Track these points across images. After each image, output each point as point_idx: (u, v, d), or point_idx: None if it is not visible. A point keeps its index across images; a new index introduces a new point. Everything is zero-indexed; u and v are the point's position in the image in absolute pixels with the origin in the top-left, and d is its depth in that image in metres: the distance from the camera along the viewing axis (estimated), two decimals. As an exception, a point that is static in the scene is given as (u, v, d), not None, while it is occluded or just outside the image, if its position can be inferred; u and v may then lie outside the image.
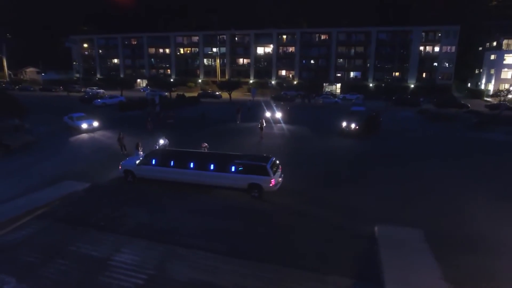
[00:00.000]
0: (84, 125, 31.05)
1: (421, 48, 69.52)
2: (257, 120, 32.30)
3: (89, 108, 47.26)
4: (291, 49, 76.64)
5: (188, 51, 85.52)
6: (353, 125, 29.52)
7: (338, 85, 74.76)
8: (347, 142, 28.44)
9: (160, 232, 13.87)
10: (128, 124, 35.35)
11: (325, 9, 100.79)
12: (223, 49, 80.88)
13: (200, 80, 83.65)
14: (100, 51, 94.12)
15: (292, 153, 25.41)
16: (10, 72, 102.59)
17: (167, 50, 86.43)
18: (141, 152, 21.09)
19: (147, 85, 64.52)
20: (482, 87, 68.96)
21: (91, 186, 18.56)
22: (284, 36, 77.59)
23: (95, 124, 31.95)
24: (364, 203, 16.66)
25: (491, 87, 65.11)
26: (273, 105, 40.22)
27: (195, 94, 63.45)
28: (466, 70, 79.05)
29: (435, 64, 68.54)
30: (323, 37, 74.61)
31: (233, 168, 17.22)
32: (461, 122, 36.59)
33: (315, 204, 16.78)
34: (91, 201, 16.89)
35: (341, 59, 74.26)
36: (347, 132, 29.76)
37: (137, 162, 18.99)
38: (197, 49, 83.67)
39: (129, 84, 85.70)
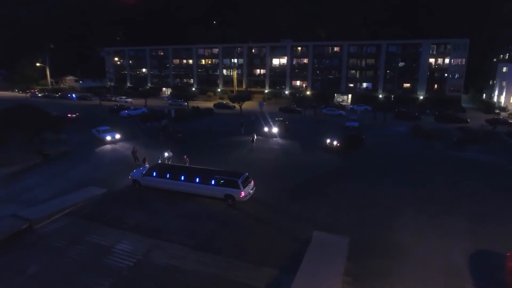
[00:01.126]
0: (108, 137, 37.04)
1: (432, 60, 70.67)
2: (258, 133, 36.83)
3: (116, 118, 53.92)
4: (305, 60, 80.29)
5: (209, 62, 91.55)
6: (335, 142, 33.21)
7: (349, 96, 77.36)
8: (327, 157, 32.22)
9: (150, 229, 18.77)
10: (145, 135, 41.09)
11: (340, 22, 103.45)
12: (241, 60, 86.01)
13: (219, 89, 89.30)
14: (130, 61, 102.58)
15: (274, 167, 29.70)
16: (52, 80, 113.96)
17: (190, 61, 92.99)
18: (147, 165, 26.29)
19: (170, 95, 70.61)
20: (495, 99, 69.02)
21: (107, 191, 23.90)
22: (299, 48, 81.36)
23: (117, 136, 37.90)
24: (319, 214, 20.66)
25: (502, 99, 65.29)
26: (271, 120, 44.01)
27: (212, 104, 68.89)
28: (482, 80, 78.94)
29: (445, 76, 69.41)
30: (335, 49, 77.65)
31: (213, 181, 21.88)
32: (445, 139, 38.86)
33: (278, 213, 21.02)
34: (106, 203, 22.17)
35: (352, 71, 76.92)
36: (330, 148, 33.45)
37: (142, 173, 24.15)
38: (217, 60, 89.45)
39: (155, 92, 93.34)
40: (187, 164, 26.97)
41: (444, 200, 22.50)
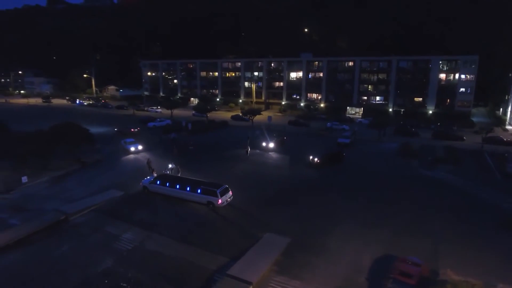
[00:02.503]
0: (132, 148, 45.09)
1: (442, 75, 72.32)
2: (257, 147, 43.08)
3: (144, 128, 62.55)
4: (320, 74, 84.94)
5: (232, 75, 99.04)
6: (316, 159, 38.40)
7: (361, 109, 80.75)
8: (307, 172, 37.56)
9: (149, 224, 25.60)
10: (163, 146, 48.72)
11: (359, 36, 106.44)
12: (261, 74, 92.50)
13: (240, 100, 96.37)
14: (163, 73, 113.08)
15: (257, 178, 35.66)
16: (96, 89, 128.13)
17: (215, 74, 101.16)
18: (155, 174, 33.47)
19: (194, 108, 78.03)
20: (508, 114, 69.24)
21: (124, 194, 31.26)
22: (315, 63, 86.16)
23: (140, 147, 45.85)
24: (278, 219, 26.40)
25: (513, 114, 65.83)
26: (270, 135, 49.61)
27: (230, 116, 75.80)
28: (500, 95, 78.76)
29: (454, 91, 70.79)
30: (348, 64, 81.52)
31: (199, 191, 28.43)
32: (426, 158, 42.27)
33: (245, 217, 27.07)
34: (121, 203, 29.46)
35: (364, 85, 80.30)
36: (312, 164, 38.67)
37: (150, 181, 31.30)
38: (239, 73, 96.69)
39: (184, 102, 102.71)
40: (179, 174, 33.85)
41: (382, 214, 27.18)
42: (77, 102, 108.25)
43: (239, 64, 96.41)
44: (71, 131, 39.66)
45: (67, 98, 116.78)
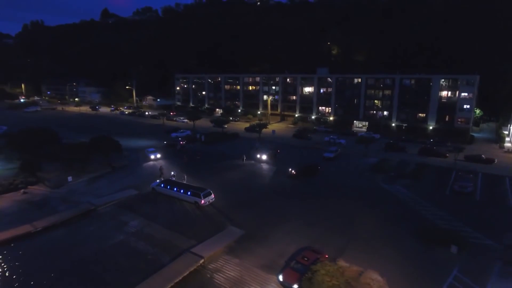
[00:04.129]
0: (152, 156, 56.01)
1: (443, 93, 75.70)
2: (252, 158, 52.20)
3: (168, 137, 73.73)
4: (329, 89, 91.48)
5: (252, 89, 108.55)
6: (293, 171, 46.27)
7: (367, 123, 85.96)
8: (285, 181, 45.59)
9: (151, 216, 35.50)
10: (178, 155, 59.13)
11: (375, 52, 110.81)
12: (278, 88, 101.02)
13: (259, 112, 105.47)
14: (193, 85, 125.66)
15: (242, 184, 44.35)
16: (137, 99, 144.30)
17: (238, 87, 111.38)
18: (162, 178, 43.62)
19: (211, 121, 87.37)
20: (510, 131, 71.06)
21: (138, 193, 41.68)
22: (327, 79, 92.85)
23: (158, 155, 56.66)
24: (244, 217, 35.06)
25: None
26: (265, 148, 57.99)
27: (244, 127, 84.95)
28: (509, 111, 79.93)
29: (454, 109, 73.88)
30: (356, 80, 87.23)
31: (189, 193, 37.95)
32: (390, 173, 48.12)
33: (220, 214, 36.04)
34: (135, 200, 39.80)
35: (370, 100, 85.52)
36: (291, 175, 46.58)
37: (157, 184, 41.42)
38: (258, 87, 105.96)
39: (210, 112, 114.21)
40: (185, 179, 43.69)
41: (323, 216, 34.70)
42: (119, 111, 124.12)
43: (258, 79, 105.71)
44: (104, 143, 51.34)
45: (111, 107, 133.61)
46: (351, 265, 25.52)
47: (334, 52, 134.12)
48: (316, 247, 27.64)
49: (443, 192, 41.76)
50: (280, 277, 24.28)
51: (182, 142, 66.04)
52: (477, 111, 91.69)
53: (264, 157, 54.76)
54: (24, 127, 64.81)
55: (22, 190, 41.85)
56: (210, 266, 26.75)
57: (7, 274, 25.83)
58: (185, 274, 25.33)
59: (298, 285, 23.04)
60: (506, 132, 72.83)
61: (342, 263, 25.65)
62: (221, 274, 25.76)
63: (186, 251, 28.45)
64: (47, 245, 30.04)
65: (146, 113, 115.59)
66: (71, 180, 45.57)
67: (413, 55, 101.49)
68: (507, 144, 69.13)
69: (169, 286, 23.89)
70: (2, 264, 26.99)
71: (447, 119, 75.61)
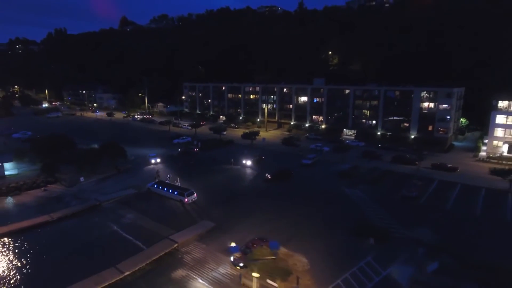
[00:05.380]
0: (153, 160, 64.48)
1: (425, 104, 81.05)
2: (239, 163, 59.98)
3: (171, 143, 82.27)
4: (322, 99, 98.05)
5: (252, 97, 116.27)
6: (268, 175, 53.54)
7: (355, 131, 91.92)
8: (261, 184, 52.88)
9: (143, 210, 43.71)
10: (175, 160, 67.35)
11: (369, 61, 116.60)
12: (275, 97, 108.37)
13: (258, 119, 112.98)
14: (200, 94, 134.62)
15: (223, 187, 51.91)
16: (149, 105, 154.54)
17: (239, 96, 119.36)
18: (157, 180, 51.84)
19: (210, 128, 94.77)
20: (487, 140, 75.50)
21: (136, 192, 50.03)
22: (319, 89, 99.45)
23: (158, 160, 65.09)
24: (218, 212, 42.71)
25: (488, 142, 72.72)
26: (251, 155, 65.38)
27: (241, 133, 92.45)
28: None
29: (433, 119, 79.12)
30: (346, 91, 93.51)
31: (176, 192, 45.97)
32: (354, 178, 54.57)
33: (199, 210, 43.74)
34: (133, 198, 48.16)
35: (358, 110, 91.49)
36: (266, 179, 53.85)
37: (152, 185, 49.65)
38: (257, 96, 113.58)
39: (215, 119, 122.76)
40: (178, 182, 51.80)
41: (283, 213, 41.82)
42: (131, 118, 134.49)
43: (258, 88, 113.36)
44: (112, 149, 60.19)
45: (123, 113, 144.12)
46: (288, 250, 32.68)
47: (333, 62, 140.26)
48: (265, 236, 34.85)
49: (394, 196, 47.99)
50: (232, 258, 31.69)
51: (196, 149, 74.32)
52: (463, 120, 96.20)
53: (249, 163, 62.22)
54: (46, 133, 75.07)
55: (42, 188, 51.02)
56: (182, 250, 34.47)
57: (32, 249, 34.48)
58: (161, 254, 33.20)
59: (243, 263, 30.35)
60: (485, 141, 77.23)
61: (282, 249, 32.81)
62: (189, 255, 33.45)
63: (165, 237, 36.30)
64: (61, 231, 38.65)
65: (155, 119, 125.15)
66: (82, 180, 54.49)
67: (402, 67, 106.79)
68: (482, 153, 73.88)
69: (148, 262, 31.80)
70: (28, 244, 35.68)
71: (430, 128, 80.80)
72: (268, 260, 28.47)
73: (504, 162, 66.01)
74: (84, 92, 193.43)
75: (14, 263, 32.38)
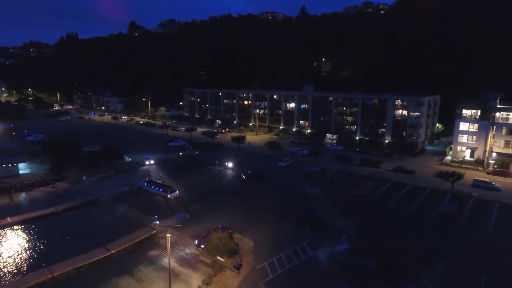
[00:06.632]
0: (147, 162, 73.31)
1: (398, 111, 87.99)
2: (222, 165, 68.45)
3: (166, 146, 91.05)
4: (306, 106, 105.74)
5: (246, 103, 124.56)
6: (244, 176, 61.65)
7: (337, 136, 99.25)
8: (236, 183, 61.01)
9: (133, 204, 52.37)
10: (168, 162, 75.99)
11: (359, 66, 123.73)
12: (266, 103, 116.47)
13: (251, 124, 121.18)
14: (198, 99, 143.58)
15: (203, 185, 60.17)
16: (152, 109, 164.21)
17: (234, 101, 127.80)
18: (147, 179, 60.53)
19: (203, 133, 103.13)
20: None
21: (129, 189, 58.81)
22: (306, 96, 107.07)
23: (152, 161, 73.90)
24: (195, 207, 51.04)
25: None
26: (233, 157, 73.59)
27: (230, 137, 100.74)
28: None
29: (406, 125, 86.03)
30: (329, 98, 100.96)
31: (161, 189, 54.58)
32: (319, 179, 62.17)
33: (179, 204, 52.15)
34: (126, 194, 56.98)
35: (340, 116, 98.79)
36: (242, 179, 61.94)
37: (142, 183, 58.35)
38: (250, 102, 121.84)
39: (211, 123, 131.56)
40: (160, 180, 60.31)
41: (249, 207, 49.84)
42: (135, 122, 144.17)
43: (250, 95, 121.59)
44: (111, 152, 69.25)
45: (123, 116, 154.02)
46: (241, 236, 40.77)
47: (326, 68, 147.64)
48: (226, 226, 42.92)
49: (347, 195, 55.52)
50: (196, 241, 39.92)
51: (197, 151, 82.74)
52: (439, 126, 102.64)
53: (230, 165, 70.48)
54: (56, 136, 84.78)
55: (50, 185, 60.17)
56: (159, 235, 42.89)
57: (42, 234, 43.44)
58: (142, 238, 41.74)
59: (203, 245, 38.54)
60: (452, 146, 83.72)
61: (236, 234, 40.92)
62: (164, 239, 41.76)
63: (146, 226, 44.79)
64: (64, 220, 47.64)
65: (156, 123, 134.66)
66: (85, 178, 63.52)
67: (387, 74, 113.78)
68: (447, 158, 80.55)
69: (131, 243, 40.35)
70: (37, 230, 44.67)
71: (403, 134, 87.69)
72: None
73: (463, 165, 72.78)
74: (93, 96, 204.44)
75: (26, 243, 41.36)
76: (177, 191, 54.88)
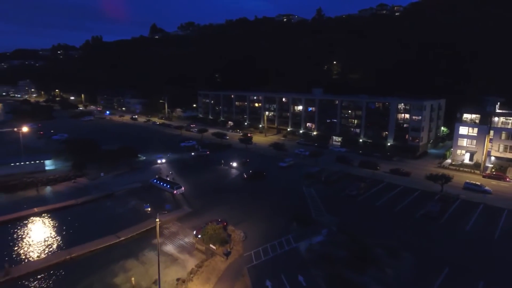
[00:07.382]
0: (159, 161, 79.57)
1: (400, 115, 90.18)
2: (228, 165, 73.74)
3: (179, 147, 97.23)
4: (313, 108, 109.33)
5: (256, 105, 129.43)
6: (245, 175, 66.46)
7: (341, 138, 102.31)
8: (238, 181, 65.92)
9: (144, 199, 58.30)
10: (178, 161, 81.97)
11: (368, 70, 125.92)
12: (275, 106, 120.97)
13: (260, 125, 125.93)
14: (212, 101, 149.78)
15: (208, 183, 65.48)
16: (168, 110, 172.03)
17: (245, 103, 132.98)
18: (157, 176, 66.56)
19: (213, 134, 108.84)
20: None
21: (142, 185, 65.01)
22: (314, 100, 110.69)
23: (163, 160, 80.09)
24: (199, 202, 56.48)
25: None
26: (238, 158, 78.55)
27: (238, 138, 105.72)
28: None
29: (408, 128, 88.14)
30: (334, 102, 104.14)
31: (168, 186, 60.39)
32: (316, 179, 66.00)
33: (185, 200, 57.72)
34: (138, 189, 63.20)
35: (345, 119, 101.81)
36: (244, 178, 66.79)
37: (152, 180, 64.43)
38: (260, 104, 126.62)
39: (223, 124, 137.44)
40: (169, 178, 66.14)
41: (247, 203, 54.60)
42: (152, 122, 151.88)
43: (260, 97, 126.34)
44: (127, 151, 75.98)
45: (145, 118, 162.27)
46: (234, 228, 45.68)
47: (336, 70, 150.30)
48: (223, 219, 47.86)
49: (339, 194, 59.22)
50: (194, 232, 45.16)
51: (208, 151, 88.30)
52: (444, 129, 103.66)
53: (235, 164, 75.54)
54: (79, 135, 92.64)
55: (72, 180, 67.33)
56: (163, 226, 48.46)
57: (63, 222, 50.14)
58: (148, 228, 47.39)
59: (200, 235, 43.72)
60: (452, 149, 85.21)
61: (230, 227, 45.86)
62: (167, 230, 47.39)
63: (152, 217, 50.45)
64: (83, 211, 54.20)
65: (172, 124, 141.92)
66: (103, 175, 70.34)
67: (397, 78, 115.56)
68: (448, 160, 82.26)
69: (138, 232, 46.16)
70: (60, 218, 51.41)
71: (406, 137, 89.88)
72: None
73: (461, 169, 74.63)
74: (114, 98, 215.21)
75: (52, 229, 48.03)
76: (183, 188, 60.46)
